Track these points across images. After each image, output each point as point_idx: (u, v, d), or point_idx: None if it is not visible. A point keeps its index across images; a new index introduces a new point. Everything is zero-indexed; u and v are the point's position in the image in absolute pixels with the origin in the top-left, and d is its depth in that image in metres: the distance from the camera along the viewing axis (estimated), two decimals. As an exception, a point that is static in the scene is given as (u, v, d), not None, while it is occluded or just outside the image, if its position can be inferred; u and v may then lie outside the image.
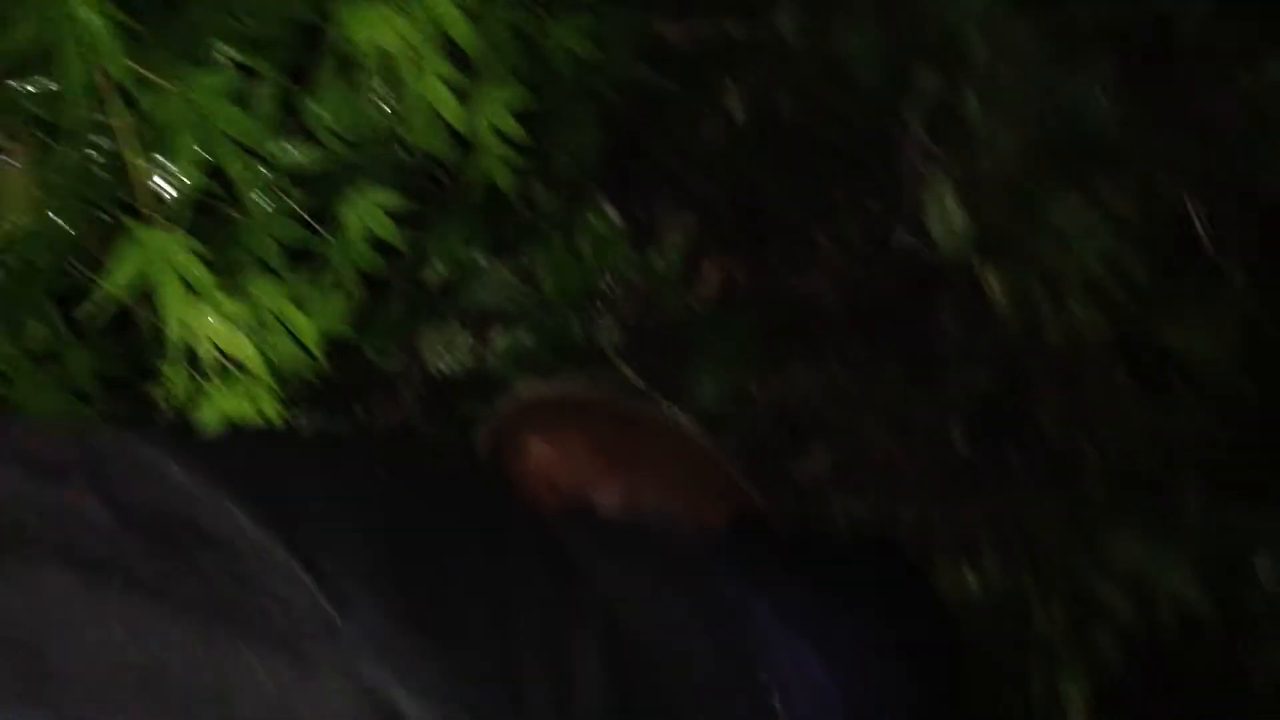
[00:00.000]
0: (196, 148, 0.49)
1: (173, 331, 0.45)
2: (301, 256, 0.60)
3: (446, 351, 0.86)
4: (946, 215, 0.85)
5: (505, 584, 0.38)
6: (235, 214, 0.56)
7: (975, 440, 0.82)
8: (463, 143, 0.68)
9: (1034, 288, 0.84)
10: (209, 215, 0.57)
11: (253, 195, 0.55)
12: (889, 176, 0.86)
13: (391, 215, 0.62)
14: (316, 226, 0.59)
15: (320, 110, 0.57)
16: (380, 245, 0.62)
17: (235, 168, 0.51)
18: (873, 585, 0.70)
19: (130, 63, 0.47)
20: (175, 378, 0.47)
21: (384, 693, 0.28)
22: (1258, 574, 0.78)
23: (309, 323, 0.53)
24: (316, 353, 0.53)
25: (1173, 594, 0.78)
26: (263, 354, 0.50)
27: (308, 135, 0.58)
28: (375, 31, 0.53)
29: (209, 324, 0.47)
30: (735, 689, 0.51)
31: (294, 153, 0.56)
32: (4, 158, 0.51)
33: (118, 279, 0.45)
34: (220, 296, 0.48)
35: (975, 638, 0.79)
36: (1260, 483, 0.79)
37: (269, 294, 0.51)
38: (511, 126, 0.64)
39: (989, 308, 0.84)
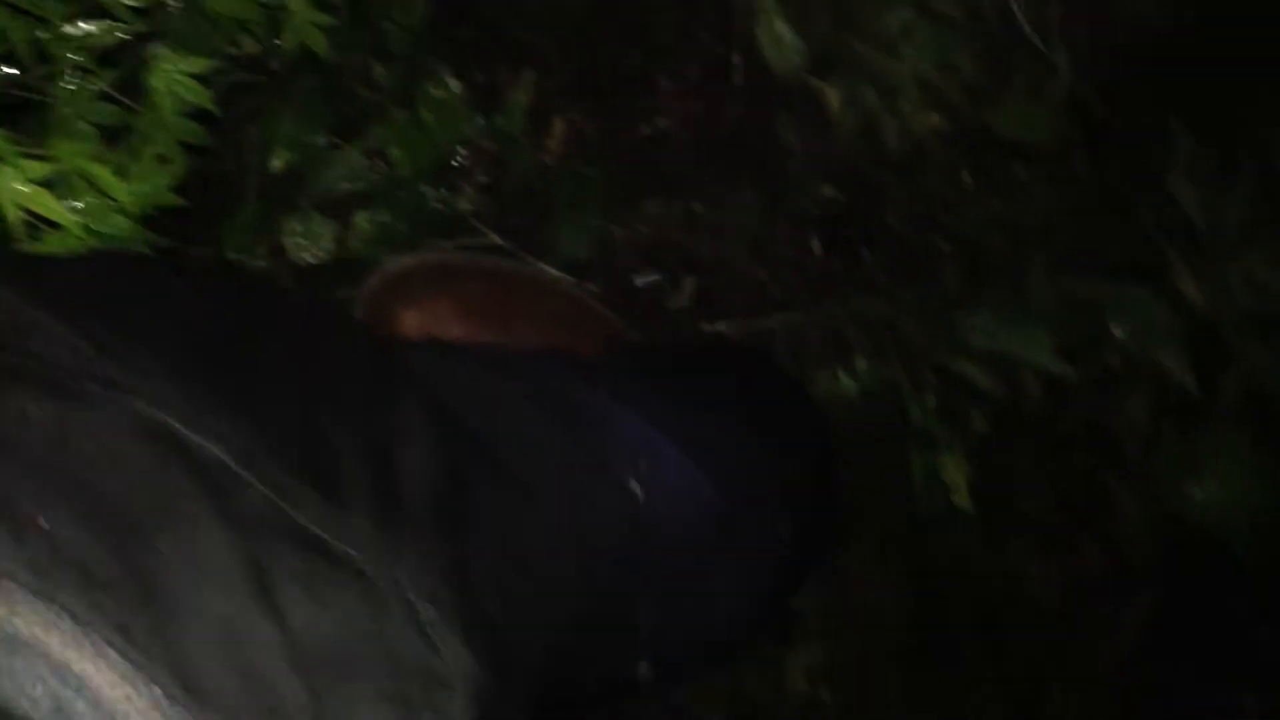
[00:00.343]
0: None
1: (-28, 194, 0.46)
2: (119, 133, 0.60)
3: (309, 242, 0.86)
4: (778, 39, 0.86)
5: (319, 372, 0.39)
6: (41, 96, 0.56)
7: (832, 250, 0.85)
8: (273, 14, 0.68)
9: (869, 97, 0.86)
10: (15, 104, 0.57)
11: (55, 73, 0.55)
12: (718, 8, 0.87)
13: (216, 94, 0.62)
14: (127, 102, 0.59)
15: (107, -19, 0.57)
16: (200, 116, 0.62)
17: (20, 38, 0.51)
18: (740, 387, 0.73)
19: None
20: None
21: (168, 427, 0.29)
22: (1112, 334, 0.82)
23: (125, 187, 0.53)
24: (137, 217, 0.54)
25: (1035, 365, 0.82)
26: (80, 219, 0.51)
27: (99, 9, 0.58)
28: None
29: (13, 188, 0.47)
30: (589, 479, 0.53)
31: (86, 26, 0.56)
32: None
33: (-94, 149, 0.46)
34: (23, 161, 0.48)
35: (854, 435, 0.82)
36: (1102, 249, 0.83)
37: (76, 156, 0.51)
38: (312, -17, 0.64)
39: (830, 123, 0.86)
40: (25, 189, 0.47)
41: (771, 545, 0.65)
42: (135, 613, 0.26)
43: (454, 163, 0.87)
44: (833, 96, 0.87)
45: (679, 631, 0.60)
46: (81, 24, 0.56)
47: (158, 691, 0.25)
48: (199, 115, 0.61)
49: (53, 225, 0.50)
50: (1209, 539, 0.80)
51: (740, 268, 0.86)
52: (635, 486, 0.55)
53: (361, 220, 0.86)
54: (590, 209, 0.86)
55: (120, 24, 0.57)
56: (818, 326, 0.84)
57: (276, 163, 0.82)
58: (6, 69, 0.56)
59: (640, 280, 0.86)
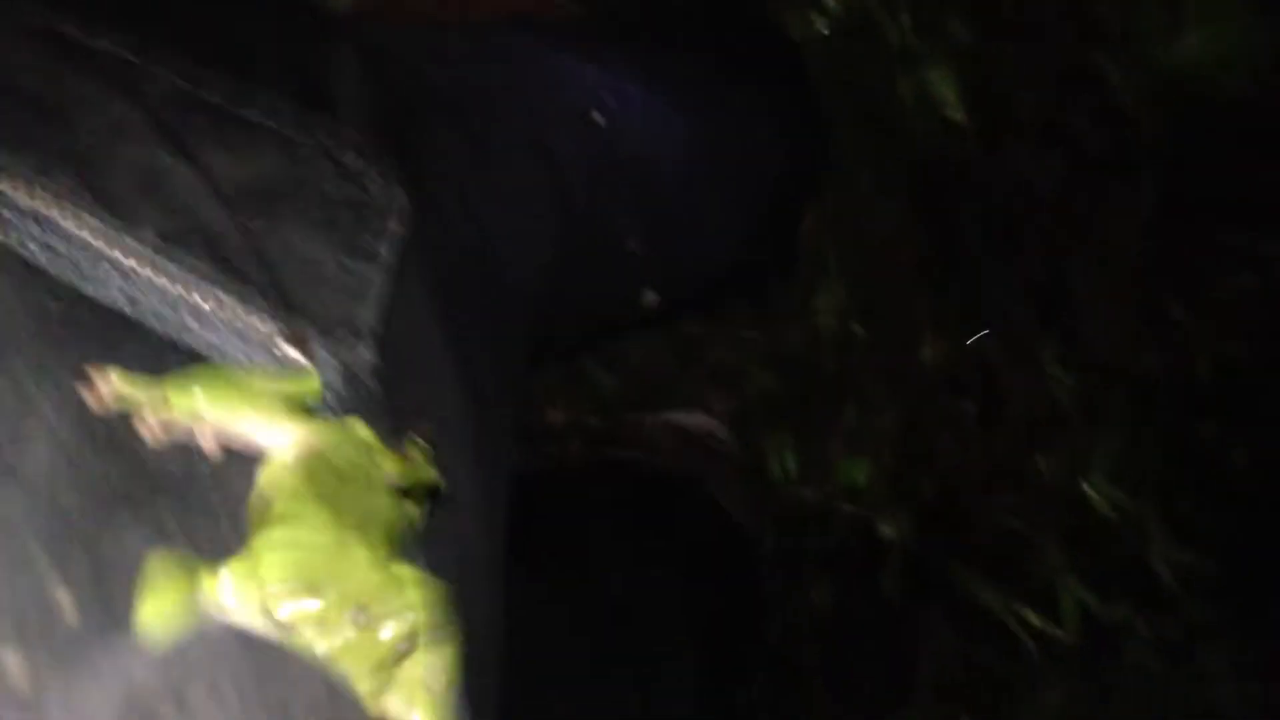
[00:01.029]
0: None
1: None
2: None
3: None
4: None
5: (240, 7, 0.39)
6: None
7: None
8: None
9: None
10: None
11: None
12: None
13: None
14: None
15: None
16: None
17: None
18: (706, 28, 0.71)
19: None
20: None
21: (65, 34, 0.30)
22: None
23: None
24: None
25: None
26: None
27: None
28: None
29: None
30: (549, 113, 0.53)
31: None
32: None
33: None
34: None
35: (836, 74, 0.81)
36: None
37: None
38: None
39: None
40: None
41: (757, 171, 0.66)
42: (52, 160, 0.28)
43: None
44: None
45: (676, 259, 0.62)
46: None
47: (83, 211, 0.27)
48: None
49: None
50: (1207, 97, 0.79)
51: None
52: (598, 118, 0.55)
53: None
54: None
55: None
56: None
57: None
58: None
59: None
